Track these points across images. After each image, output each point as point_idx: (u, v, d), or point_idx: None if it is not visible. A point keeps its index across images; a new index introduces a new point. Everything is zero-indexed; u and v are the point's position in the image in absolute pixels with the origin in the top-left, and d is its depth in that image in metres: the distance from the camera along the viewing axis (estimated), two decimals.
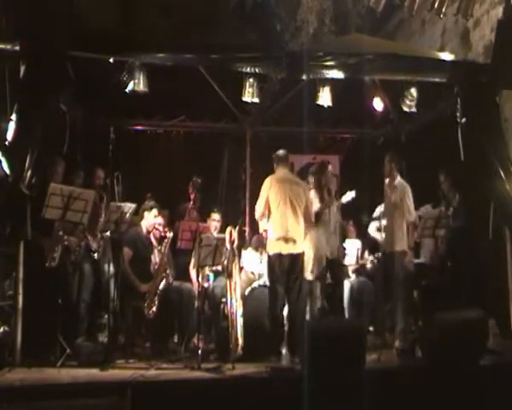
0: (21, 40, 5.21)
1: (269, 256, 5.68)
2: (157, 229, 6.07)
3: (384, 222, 6.25)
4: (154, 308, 5.60)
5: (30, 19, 5.43)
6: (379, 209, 6.57)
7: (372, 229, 6.78)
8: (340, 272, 6.19)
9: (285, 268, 5.55)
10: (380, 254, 6.59)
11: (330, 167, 6.34)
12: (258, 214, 5.81)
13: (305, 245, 5.87)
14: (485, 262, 6.14)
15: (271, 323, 5.52)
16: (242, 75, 5.91)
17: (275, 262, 5.59)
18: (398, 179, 6.25)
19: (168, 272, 5.87)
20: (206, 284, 5.98)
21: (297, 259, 5.61)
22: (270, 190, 5.69)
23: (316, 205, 6.03)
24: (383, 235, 6.31)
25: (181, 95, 6.73)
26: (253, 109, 7.47)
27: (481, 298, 5.72)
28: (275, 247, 5.60)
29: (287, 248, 5.56)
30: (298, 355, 5.21)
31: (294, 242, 5.59)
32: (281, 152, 5.97)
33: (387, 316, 6.18)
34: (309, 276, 5.91)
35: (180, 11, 8.73)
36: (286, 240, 5.56)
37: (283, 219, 5.60)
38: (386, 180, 6.27)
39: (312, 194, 6.11)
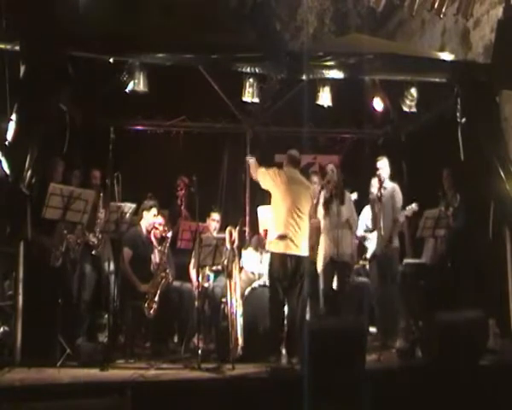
0: (21, 40, 5.21)
1: (271, 254, 5.58)
2: (157, 228, 6.07)
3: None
4: (155, 308, 5.61)
5: (30, 19, 5.42)
6: (366, 211, 6.62)
7: (360, 230, 6.78)
8: (345, 274, 6.17)
9: (287, 269, 5.46)
10: (369, 255, 6.64)
11: (331, 166, 6.34)
12: (255, 176, 5.72)
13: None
14: (485, 262, 6.13)
15: (271, 323, 5.50)
16: (242, 75, 5.91)
17: (276, 261, 5.50)
18: (387, 181, 6.27)
19: (168, 271, 5.87)
20: (206, 284, 5.98)
21: (300, 261, 5.51)
22: (279, 181, 5.56)
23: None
24: (370, 236, 6.38)
25: (181, 95, 6.73)
26: (253, 109, 7.47)
27: (481, 298, 5.72)
28: (277, 246, 5.50)
29: (289, 249, 5.47)
30: (296, 356, 5.21)
31: (298, 243, 5.49)
32: (294, 153, 5.85)
33: (387, 316, 6.18)
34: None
35: (180, 11, 8.73)
36: (289, 240, 5.46)
37: (288, 220, 5.50)
38: (375, 181, 6.28)
39: (323, 192, 6.17)
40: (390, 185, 6.30)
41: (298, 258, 5.50)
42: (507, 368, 5.08)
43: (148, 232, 6.10)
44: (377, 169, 6.31)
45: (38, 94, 5.16)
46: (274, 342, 5.41)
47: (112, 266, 6.00)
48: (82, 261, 5.84)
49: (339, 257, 6.02)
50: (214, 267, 6.04)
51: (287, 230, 5.49)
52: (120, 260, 5.69)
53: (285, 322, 5.57)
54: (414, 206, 6.30)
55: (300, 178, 5.80)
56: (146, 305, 5.61)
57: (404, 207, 6.37)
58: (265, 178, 5.66)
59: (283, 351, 5.36)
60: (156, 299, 5.64)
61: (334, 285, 6.19)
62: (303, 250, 5.56)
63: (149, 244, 6.08)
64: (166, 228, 6.05)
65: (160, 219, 6.14)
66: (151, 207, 6.07)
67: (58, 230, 5.33)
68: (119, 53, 5.58)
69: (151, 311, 5.61)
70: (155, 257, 6.05)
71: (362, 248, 7.31)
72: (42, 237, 5.34)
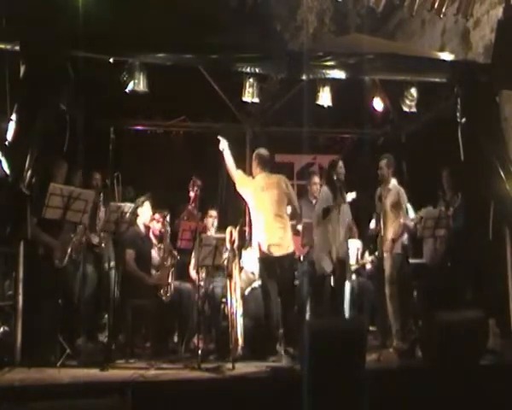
0: (21, 40, 5.21)
1: (259, 260, 5.73)
2: (157, 221, 6.08)
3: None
4: (169, 294, 5.68)
5: (30, 19, 5.42)
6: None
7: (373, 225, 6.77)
8: (344, 272, 6.19)
9: (276, 271, 5.58)
10: (377, 254, 6.63)
11: (341, 163, 6.33)
12: (231, 172, 5.88)
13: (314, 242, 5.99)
14: (485, 262, 6.13)
15: (266, 323, 5.55)
16: (242, 75, 5.91)
17: (265, 266, 5.65)
18: (393, 182, 6.26)
19: (176, 253, 5.90)
20: (206, 283, 5.98)
21: (285, 260, 5.63)
22: (255, 189, 5.69)
23: (328, 202, 6.02)
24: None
25: (181, 95, 6.73)
26: (252, 109, 7.47)
27: (481, 298, 5.72)
28: (264, 251, 5.63)
29: (275, 251, 5.59)
30: (295, 355, 5.22)
31: (280, 245, 5.60)
32: (263, 151, 5.91)
33: (386, 316, 6.17)
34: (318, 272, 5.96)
35: (180, 11, 8.72)
36: (273, 243, 5.59)
37: (269, 224, 5.63)
38: (381, 183, 6.27)
39: (325, 190, 6.11)
40: (395, 188, 6.26)
41: (284, 257, 5.60)
42: (507, 368, 5.08)
43: (147, 229, 6.11)
44: (380, 167, 6.30)
45: (38, 94, 5.16)
46: (270, 342, 5.41)
47: (112, 266, 5.99)
48: (83, 261, 5.83)
49: (340, 257, 6.03)
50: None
51: (268, 234, 5.60)
52: (125, 263, 5.72)
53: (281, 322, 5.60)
54: (430, 209, 6.31)
55: (273, 180, 5.82)
56: (162, 291, 5.67)
57: (419, 209, 6.37)
58: (243, 183, 5.77)
59: (282, 351, 5.36)
60: (170, 283, 5.68)
61: (334, 285, 6.19)
62: (288, 248, 5.66)
63: (149, 242, 6.09)
64: (165, 222, 6.04)
65: (157, 215, 6.15)
66: (143, 202, 6.08)
67: (65, 230, 5.34)
68: (119, 53, 5.58)
69: (167, 295, 5.67)
70: (156, 254, 6.07)
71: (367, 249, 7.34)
72: (47, 238, 5.35)
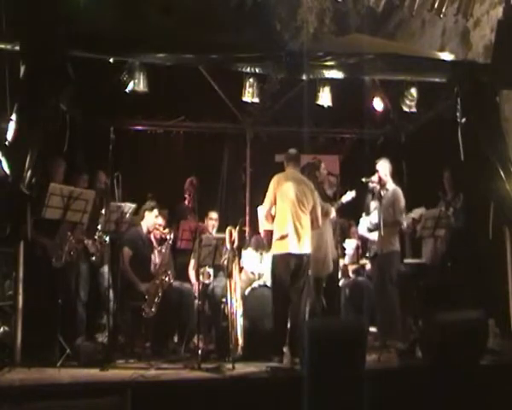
0: (21, 40, 5.21)
1: (274, 256, 5.59)
2: (157, 229, 6.07)
3: (374, 223, 6.33)
4: (154, 308, 5.60)
5: (29, 19, 5.42)
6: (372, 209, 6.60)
7: (363, 228, 6.77)
8: (337, 272, 6.21)
9: (290, 268, 5.46)
10: (371, 254, 6.64)
11: (323, 165, 6.34)
12: (263, 213, 5.71)
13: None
14: (485, 262, 6.13)
15: (275, 323, 5.47)
16: (242, 75, 5.91)
17: (279, 262, 5.50)
18: (390, 182, 6.27)
19: (170, 273, 5.87)
20: (207, 281, 5.97)
21: (302, 259, 5.50)
22: (277, 188, 5.58)
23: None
24: (373, 235, 6.38)
25: (181, 95, 6.73)
26: (252, 109, 7.48)
27: (481, 298, 5.72)
28: (280, 246, 5.50)
29: (292, 248, 5.46)
30: (298, 355, 5.20)
31: (301, 241, 5.48)
32: (291, 151, 5.85)
33: (386, 316, 6.18)
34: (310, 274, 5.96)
35: (180, 11, 8.73)
36: (292, 239, 5.45)
37: (290, 218, 5.49)
38: (377, 183, 6.28)
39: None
40: (392, 187, 6.28)
41: (300, 256, 5.49)
42: (507, 368, 5.08)
43: (149, 232, 6.10)
44: (377, 171, 6.31)
45: (38, 94, 5.16)
46: (277, 343, 5.38)
47: (110, 267, 5.99)
48: (79, 262, 5.82)
49: (333, 258, 6.06)
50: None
51: (288, 229, 5.48)
52: (120, 261, 5.69)
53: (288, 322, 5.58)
54: (423, 209, 6.33)
55: (299, 177, 5.77)
56: (146, 304, 5.61)
57: (410, 210, 6.38)
58: (269, 199, 5.62)
59: (287, 351, 5.35)
60: (156, 300, 5.63)
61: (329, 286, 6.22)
62: (305, 248, 5.54)
63: (149, 244, 6.08)
64: (167, 230, 6.04)
65: (161, 221, 6.14)
66: (153, 208, 6.07)
67: (62, 230, 5.34)
68: (119, 53, 5.58)
69: (150, 310, 5.60)
70: (155, 257, 6.06)
71: (363, 248, 7.34)
72: (42, 238, 5.34)
